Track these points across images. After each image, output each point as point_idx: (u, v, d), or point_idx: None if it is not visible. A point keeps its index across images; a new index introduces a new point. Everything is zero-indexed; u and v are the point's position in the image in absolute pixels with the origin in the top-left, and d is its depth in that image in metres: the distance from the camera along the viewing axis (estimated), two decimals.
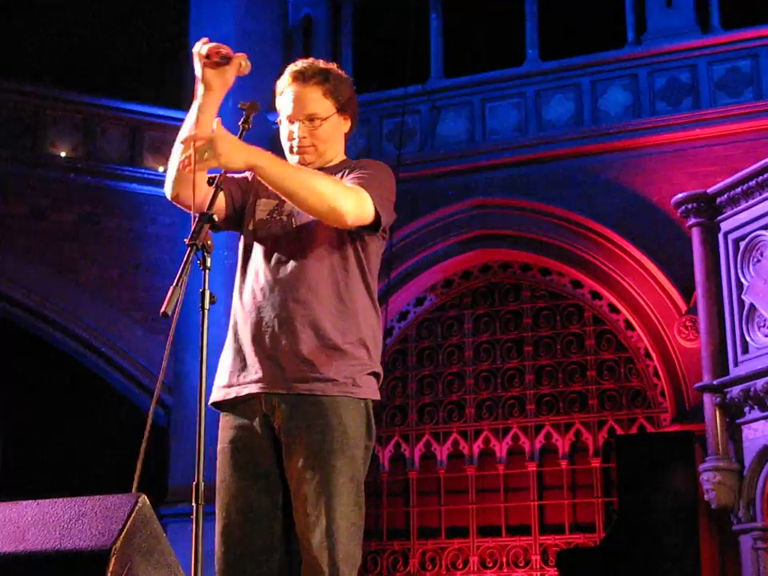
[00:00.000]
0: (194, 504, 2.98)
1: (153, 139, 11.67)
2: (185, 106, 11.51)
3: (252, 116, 3.35)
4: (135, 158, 11.49)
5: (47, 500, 2.42)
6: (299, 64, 3.46)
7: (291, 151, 3.47)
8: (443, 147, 11.26)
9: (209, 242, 3.18)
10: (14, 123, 11.10)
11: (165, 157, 12.01)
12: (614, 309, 10.76)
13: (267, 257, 3.32)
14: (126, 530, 2.17)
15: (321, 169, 3.37)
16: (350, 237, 3.28)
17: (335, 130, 3.43)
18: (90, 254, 11.01)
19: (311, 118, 3.38)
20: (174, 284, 3.06)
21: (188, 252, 3.13)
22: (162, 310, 3.05)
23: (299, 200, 3.12)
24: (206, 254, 3.18)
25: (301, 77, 3.41)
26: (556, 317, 11.11)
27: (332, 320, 3.19)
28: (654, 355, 10.35)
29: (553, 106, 11.02)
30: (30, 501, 2.66)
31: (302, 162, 3.41)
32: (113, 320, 10.95)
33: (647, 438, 10.10)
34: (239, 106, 3.40)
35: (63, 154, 11.20)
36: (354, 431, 3.07)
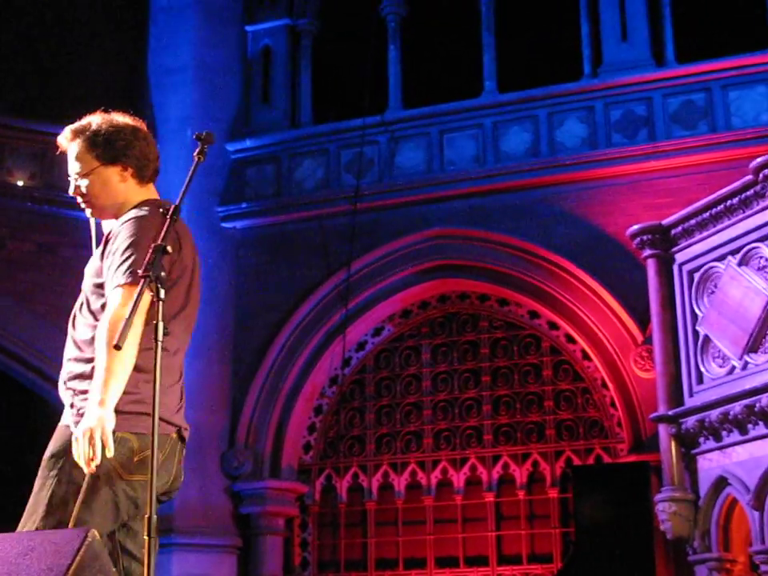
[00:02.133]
0: (145, 537, 2.96)
1: None
2: None
3: (207, 147, 3.36)
4: None
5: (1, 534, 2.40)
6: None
7: None
8: (401, 178, 11.30)
9: (162, 274, 3.18)
10: None
11: None
12: (571, 339, 10.82)
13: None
14: (74, 565, 2.15)
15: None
16: None
17: (104, 182, 3.45)
18: (47, 283, 10.92)
19: (76, 176, 3.46)
20: (127, 316, 3.06)
21: (141, 284, 3.13)
22: (115, 342, 3.04)
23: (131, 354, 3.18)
24: (159, 285, 3.17)
25: (67, 137, 3.51)
26: (513, 347, 11.15)
27: None
28: (610, 385, 10.41)
29: (510, 138, 11.10)
30: None
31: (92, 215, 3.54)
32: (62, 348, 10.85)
33: (603, 469, 10.14)
34: (194, 136, 3.41)
35: (20, 183, 11.14)
36: None
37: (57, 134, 11.22)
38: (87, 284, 3.46)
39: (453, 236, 11.10)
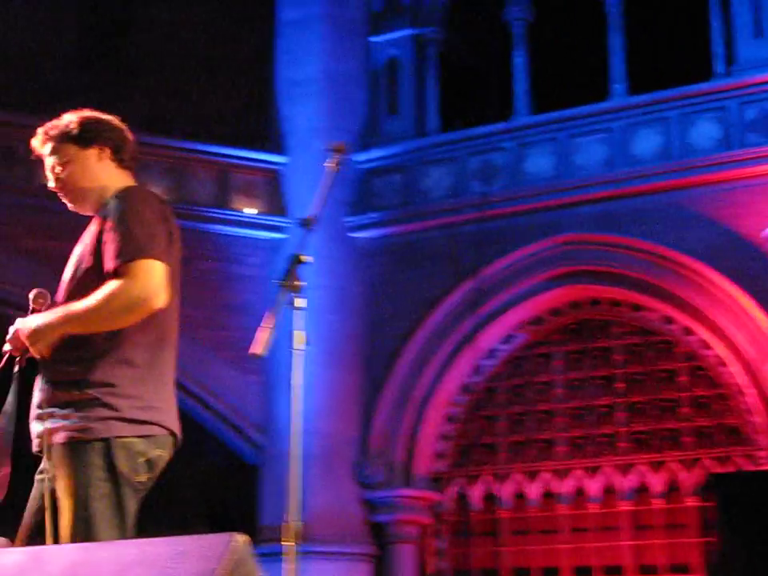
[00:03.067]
0: (287, 543, 2.98)
1: (240, 181, 11.82)
2: (271, 147, 11.63)
3: (341, 157, 3.36)
4: (223, 200, 11.63)
5: (147, 539, 2.44)
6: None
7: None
8: (529, 184, 11.22)
9: (298, 283, 3.20)
10: (7, 153, 11.28)
11: (252, 198, 12.08)
12: (706, 344, 10.58)
13: None
14: (222, 569, 2.18)
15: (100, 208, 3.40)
16: None
17: (83, 166, 3.45)
18: (182, 296, 11.11)
19: (56, 168, 3.45)
20: (264, 324, 3.08)
21: (278, 293, 3.15)
22: (253, 350, 3.08)
23: (109, 327, 3.15)
24: (295, 294, 3.20)
25: (40, 140, 3.48)
26: (647, 353, 10.95)
27: None
28: (749, 391, 10.14)
29: (640, 140, 10.92)
30: (130, 540, 2.68)
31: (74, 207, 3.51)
32: (203, 360, 11.05)
33: (746, 476, 9.87)
34: (327, 147, 3.41)
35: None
36: None
37: (188, 149, 11.36)
38: (74, 273, 3.36)
39: (583, 241, 10.97)
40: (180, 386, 11.18)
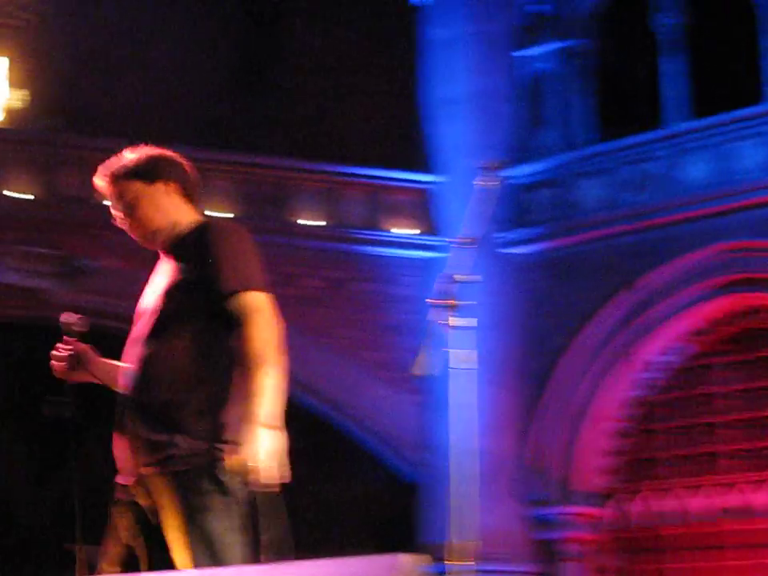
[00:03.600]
0: (450, 562, 2.99)
1: (391, 201, 11.91)
2: (420, 167, 11.67)
3: (498, 174, 3.33)
4: (376, 221, 11.73)
5: (314, 561, 2.48)
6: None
7: None
8: (685, 192, 10.99)
9: (454, 302, 3.22)
10: (260, 195, 11.54)
11: (403, 218, 12.15)
12: None
13: None
14: None
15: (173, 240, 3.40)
16: None
17: (152, 201, 3.44)
18: (337, 318, 11.27)
19: (125, 208, 3.45)
20: (423, 344, 3.11)
21: (434, 313, 3.18)
22: (414, 370, 3.11)
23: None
24: (451, 313, 3.22)
25: (105, 181, 3.47)
26: None
27: None
28: None
29: None
30: (301, 561, 2.72)
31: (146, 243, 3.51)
32: (360, 381, 11.14)
33: None
34: (482, 165, 3.39)
35: (308, 222, 11.55)
36: None
37: (339, 173, 11.51)
38: (159, 308, 3.33)
39: (743, 249, 10.68)
40: (336, 407, 11.35)
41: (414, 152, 12.09)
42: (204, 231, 3.31)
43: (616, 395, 11.32)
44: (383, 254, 11.67)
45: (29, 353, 11.92)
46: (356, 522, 11.92)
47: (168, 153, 3.54)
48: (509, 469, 11.08)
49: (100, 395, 3.56)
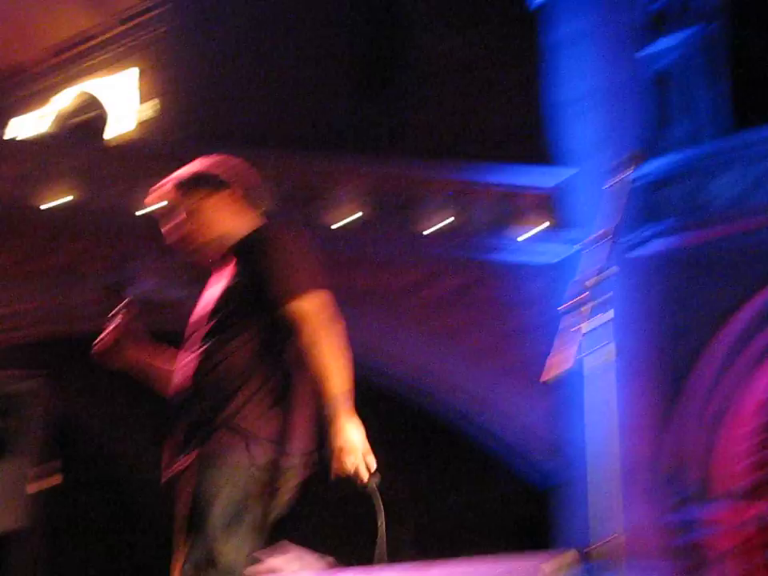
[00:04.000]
0: (592, 564, 2.96)
1: (519, 204, 11.78)
2: (547, 167, 11.44)
3: (632, 168, 3.30)
4: (504, 224, 11.63)
5: (470, 559, 2.49)
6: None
7: None
8: None
9: (585, 308, 3.19)
10: (386, 201, 11.53)
11: (531, 219, 11.94)
12: None
13: None
14: None
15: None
16: None
17: (215, 210, 3.49)
18: (465, 323, 11.23)
19: (187, 217, 3.50)
20: (555, 349, 3.09)
21: (565, 318, 3.15)
22: (546, 375, 3.08)
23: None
24: (583, 319, 3.19)
25: (168, 191, 3.54)
26: None
27: None
28: None
29: None
30: (451, 563, 2.74)
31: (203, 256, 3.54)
32: (490, 387, 11.08)
33: None
34: (615, 161, 3.36)
35: (436, 227, 11.51)
36: None
37: (467, 177, 11.42)
38: (212, 312, 3.39)
39: None
40: (465, 415, 11.28)
41: (540, 152, 11.99)
42: (258, 237, 3.37)
43: (757, 394, 11.04)
44: (510, 258, 11.59)
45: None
46: (486, 529, 11.87)
47: (232, 160, 3.61)
48: (647, 470, 10.90)
49: None
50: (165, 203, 3.56)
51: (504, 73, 13.12)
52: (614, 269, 3.23)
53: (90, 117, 15.59)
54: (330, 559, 5.57)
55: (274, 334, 3.27)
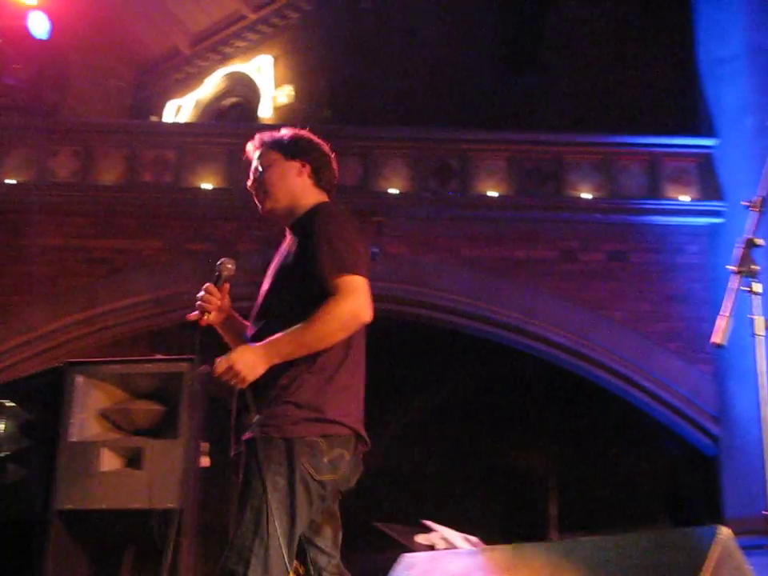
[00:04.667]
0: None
1: (671, 169, 11.57)
2: (699, 131, 11.17)
3: None
4: (656, 190, 11.44)
5: (623, 534, 2.47)
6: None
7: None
8: None
9: (755, 267, 3.12)
10: (536, 172, 11.49)
11: (684, 185, 11.69)
12: None
13: None
14: (711, 562, 2.16)
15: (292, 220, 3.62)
16: None
17: (283, 174, 3.62)
18: (621, 290, 11.10)
19: (258, 169, 3.66)
20: (722, 313, 3.03)
21: (734, 279, 3.08)
22: (714, 339, 3.02)
23: (325, 346, 3.35)
24: (752, 279, 3.12)
25: (254, 144, 3.74)
26: None
27: None
28: None
29: None
30: (606, 537, 2.71)
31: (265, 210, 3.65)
32: (650, 353, 10.93)
33: None
34: None
35: (586, 196, 11.40)
36: None
37: (615, 143, 11.22)
38: (273, 286, 3.54)
39: None
40: (628, 380, 11.13)
41: (692, 116, 11.73)
42: (313, 216, 3.50)
43: None
44: (665, 223, 11.36)
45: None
46: (651, 497, 11.72)
47: (318, 140, 3.76)
48: None
49: None
50: (251, 153, 3.74)
51: (651, 37, 12.87)
52: (762, 241, 3.14)
53: (242, 98, 15.90)
54: (476, 539, 5.59)
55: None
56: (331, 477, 3.37)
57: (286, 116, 14.69)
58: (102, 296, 10.91)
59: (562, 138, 11.67)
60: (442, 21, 13.91)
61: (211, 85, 16.21)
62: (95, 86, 15.61)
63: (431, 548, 5.43)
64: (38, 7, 10.80)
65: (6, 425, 4.87)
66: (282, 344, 3.31)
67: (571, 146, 11.60)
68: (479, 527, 6.19)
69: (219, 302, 3.56)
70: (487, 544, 5.31)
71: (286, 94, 15.08)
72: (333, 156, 3.78)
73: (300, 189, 3.64)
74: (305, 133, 3.77)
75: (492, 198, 11.26)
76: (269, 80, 15.32)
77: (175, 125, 14.95)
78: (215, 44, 16.27)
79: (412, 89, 13.60)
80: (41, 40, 10.99)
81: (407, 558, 3.50)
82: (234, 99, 16.12)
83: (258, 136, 3.74)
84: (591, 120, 12.36)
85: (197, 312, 3.54)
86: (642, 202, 11.35)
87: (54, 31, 10.95)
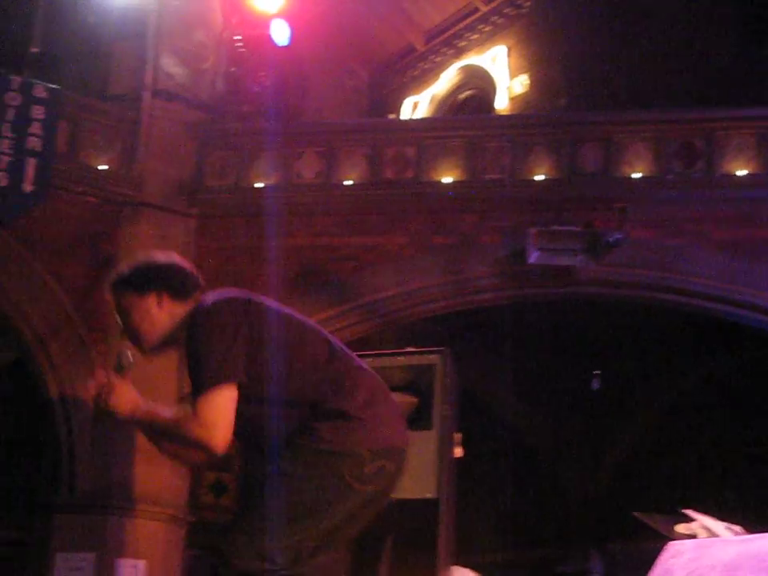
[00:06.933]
0: None
1: None
2: None
3: None
4: None
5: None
6: None
7: None
8: None
9: None
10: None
11: None
12: None
13: None
14: None
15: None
16: None
17: (145, 313, 3.53)
18: None
19: (121, 320, 3.60)
20: None
21: None
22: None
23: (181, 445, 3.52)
24: None
25: (107, 292, 3.61)
26: None
27: None
28: None
29: None
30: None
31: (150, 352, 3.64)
32: None
33: None
34: None
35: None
36: None
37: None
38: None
39: None
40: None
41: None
42: (187, 328, 3.48)
43: None
44: None
45: (558, 329, 12.33)
46: None
47: (158, 259, 3.62)
48: None
49: None
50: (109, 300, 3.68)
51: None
52: None
53: (478, 90, 16.00)
54: (739, 528, 5.42)
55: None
56: (374, 487, 3.45)
57: (522, 106, 14.66)
58: (350, 293, 11.16)
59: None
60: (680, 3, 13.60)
61: (446, 79, 16.35)
62: (333, 88, 16.04)
63: (692, 537, 5.30)
64: (279, 15, 11.17)
65: None
66: (150, 416, 3.45)
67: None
68: (738, 516, 6.01)
69: (126, 391, 3.50)
70: (751, 532, 5.15)
71: (521, 83, 15.05)
72: (181, 260, 3.69)
73: (167, 317, 3.57)
74: (145, 258, 3.67)
75: (740, 177, 10.86)
76: (503, 70, 15.33)
77: (414, 121, 15.16)
78: (449, 38, 16.41)
79: (649, 70, 13.34)
80: (282, 46, 11.37)
81: (674, 546, 3.44)
82: (469, 92, 16.22)
83: (106, 282, 3.65)
84: (745, 93, 11.80)
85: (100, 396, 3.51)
86: None
87: (293, 37, 11.32)
